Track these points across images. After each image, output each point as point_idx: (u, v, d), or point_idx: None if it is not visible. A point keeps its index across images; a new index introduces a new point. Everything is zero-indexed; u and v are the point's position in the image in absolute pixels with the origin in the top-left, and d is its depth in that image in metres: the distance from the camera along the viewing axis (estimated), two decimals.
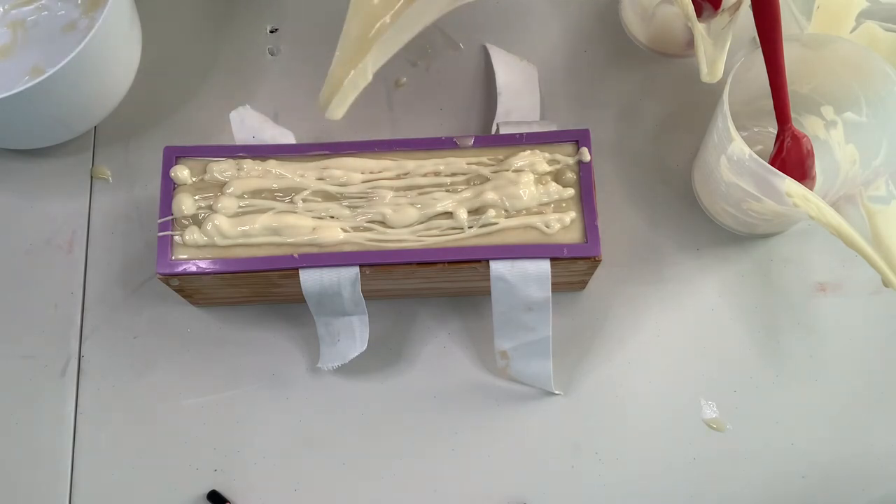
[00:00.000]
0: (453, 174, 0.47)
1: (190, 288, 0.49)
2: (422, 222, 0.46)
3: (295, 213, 0.46)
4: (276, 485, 0.50)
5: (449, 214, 0.46)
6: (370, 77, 0.35)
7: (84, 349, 0.52)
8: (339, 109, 0.37)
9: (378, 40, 0.35)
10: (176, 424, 0.51)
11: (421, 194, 0.47)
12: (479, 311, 0.53)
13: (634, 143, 0.57)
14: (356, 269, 0.45)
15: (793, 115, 0.48)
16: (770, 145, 0.50)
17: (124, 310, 0.53)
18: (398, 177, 0.47)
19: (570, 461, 0.50)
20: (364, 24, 0.37)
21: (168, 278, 0.46)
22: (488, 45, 0.58)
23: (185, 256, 0.46)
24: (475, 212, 0.46)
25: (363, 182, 0.47)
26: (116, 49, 0.52)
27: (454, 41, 0.60)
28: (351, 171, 0.47)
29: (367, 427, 0.51)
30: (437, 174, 0.47)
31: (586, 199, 0.46)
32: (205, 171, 0.47)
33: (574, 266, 0.47)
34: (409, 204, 0.46)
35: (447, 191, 0.47)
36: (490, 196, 0.46)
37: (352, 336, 0.49)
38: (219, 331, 0.53)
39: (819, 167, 0.50)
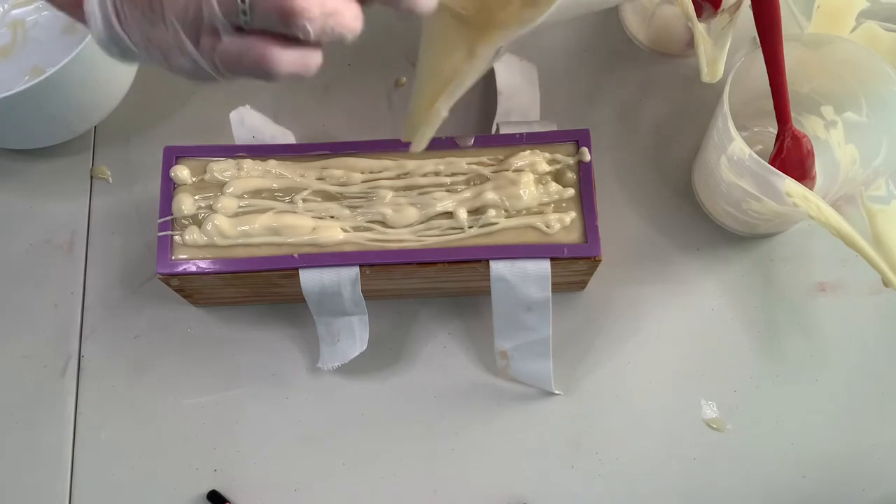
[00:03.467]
0: (453, 174, 0.47)
1: (190, 288, 0.49)
2: (422, 222, 0.46)
3: (295, 213, 0.46)
4: (276, 485, 0.50)
5: (449, 214, 0.46)
6: (445, 114, 0.39)
7: (84, 349, 0.52)
8: (420, 143, 0.41)
9: (447, 90, 0.38)
10: (176, 424, 0.51)
11: (421, 194, 0.47)
12: (479, 311, 0.53)
13: (634, 143, 0.57)
14: (356, 269, 0.45)
15: (793, 115, 0.48)
16: (770, 145, 0.50)
17: (124, 310, 0.53)
18: (398, 177, 0.47)
19: (570, 461, 0.50)
20: (434, 69, 0.39)
21: (168, 278, 0.46)
22: None
23: (185, 256, 0.46)
24: (475, 212, 0.46)
25: (363, 182, 0.47)
26: None
27: None
28: (351, 171, 0.47)
29: (367, 427, 0.51)
30: (437, 174, 0.47)
31: (586, 199, 0.46)
32: (205, 171, 0.47)
33: (574, 266, 0.47)
34: (410, 204, 0.46)
35: (447, 191, 0.47)
36: (490, 196, 0.46)
37: (352, 336, 0.49)
38: (219, 331, 0.53)
39: (819, 167, 0.50)
